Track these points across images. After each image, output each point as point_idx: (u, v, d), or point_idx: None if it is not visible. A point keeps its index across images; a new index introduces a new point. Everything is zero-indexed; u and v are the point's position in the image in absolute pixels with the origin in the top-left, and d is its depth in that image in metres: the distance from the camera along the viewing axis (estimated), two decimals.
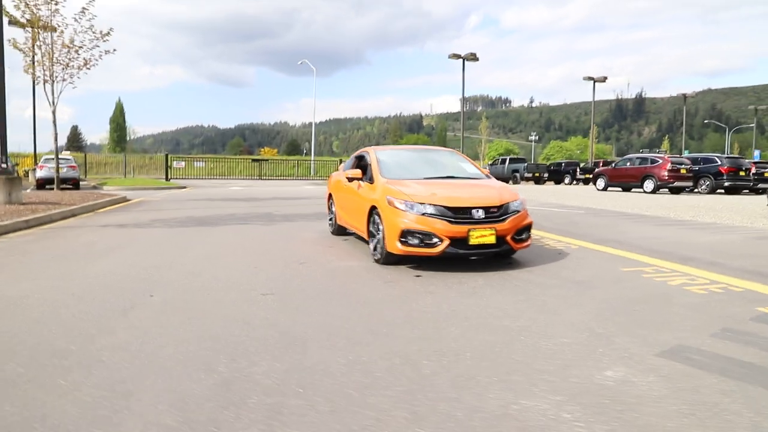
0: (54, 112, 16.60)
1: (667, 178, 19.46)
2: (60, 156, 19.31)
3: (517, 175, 35.59)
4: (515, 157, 41.51)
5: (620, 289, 4.89)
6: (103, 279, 5.12)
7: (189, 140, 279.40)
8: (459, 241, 5.44)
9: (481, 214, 5.55)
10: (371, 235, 6.17)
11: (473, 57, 31.92)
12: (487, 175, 6.84)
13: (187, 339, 3.41)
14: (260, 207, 13.55)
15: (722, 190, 21.10)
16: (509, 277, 5.35)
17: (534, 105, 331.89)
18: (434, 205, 5.52)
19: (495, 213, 5.62)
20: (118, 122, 76.88)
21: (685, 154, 30.50)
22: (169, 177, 27.09)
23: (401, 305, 4.30)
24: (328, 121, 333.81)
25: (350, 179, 6.77)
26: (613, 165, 23.66)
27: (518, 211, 5.82)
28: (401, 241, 5.50)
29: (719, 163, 20.77)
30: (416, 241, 5.46)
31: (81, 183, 22.91)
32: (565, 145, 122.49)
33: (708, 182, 20.52)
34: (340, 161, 28.29)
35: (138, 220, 10.29)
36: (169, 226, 9.38)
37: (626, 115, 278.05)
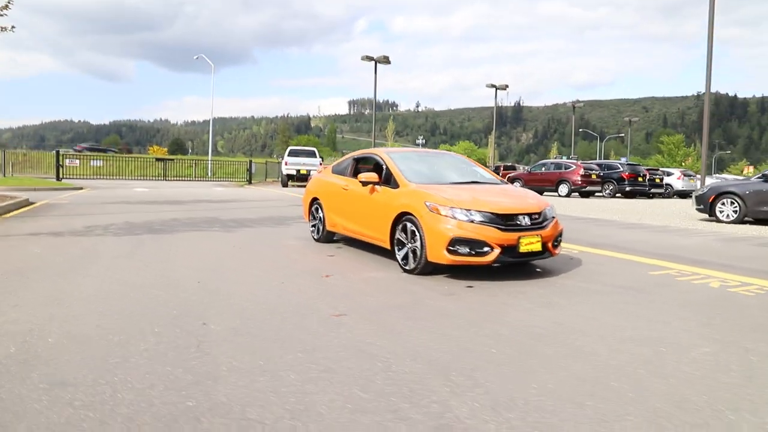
0: None
1: (580, 182, 20.84)
2: None
3: None
4: None
5: (677, 293, 4.93)
6: (113, 304, 4.17)
7: (56, 136, 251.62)
8: (509, 249, 5.20)
9: (527, 220, 5.36)
10: (398, 243, 5.71)
11: (385, 60, 32.01)
12: (502, 180, 6.67)
13: (327, 384, 2.78)
14: (195, 211, 12.33)
15: (620, 194, 23.04)
16: (555, 284, 5.20)
17: (420, 109, 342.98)
18: (481, 211, 5.22)
19: (538, 219, 5.46)
20: None
21: (623, 159, 32.79)
22: (60, 176, 23.92)
23: (494, 320, 3.93)
24: (213, 120, 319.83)
25: (364, 183, 6.24)
26: (529, 170, 24.90)
27: (554, 217, 5.72)
28: (449, 250, 5.13)
29: (621, 169, 22.70)
30: (466, 250, 5.12)
31: None
32: (452, 149, 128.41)
33: (612, 187, 22.30)
34: (321, 163, 26.92)
35: (70, 227, 8.82)
36: (115, 234, 8.12)
37: (506, 122, 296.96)
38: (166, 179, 30.99)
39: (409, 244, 5.53)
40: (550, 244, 5.50)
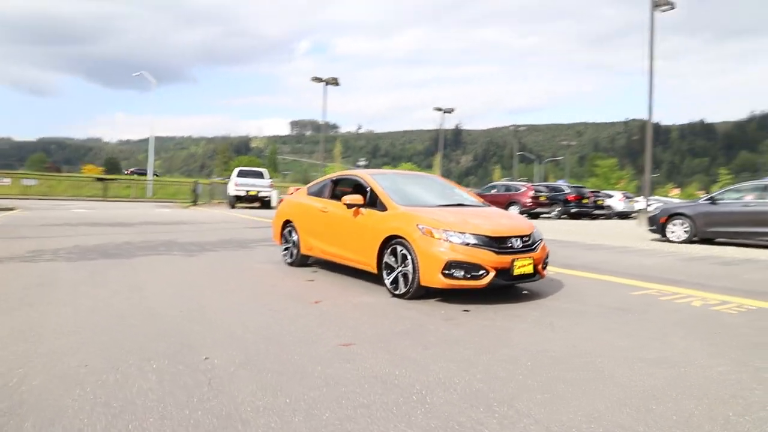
0: None
1: (530, 204, 21.41)
2: None
3: None
4: None
5: (665, 313, 5.04)
6: (94, 337, 3.78)
7: None
8: (503, 272, 5.17)
9: (519, 243, 5.37)
10: (386, 267, 5.56)
11: (334, 81, 32.07)
12: (484, 202, 6.68)
13: (368, 422, 2.59)
14: (147, 234, 11.68)
15: (566, 215, 23.87)
16: (547, 306, 5.21)
17: (361, 131, 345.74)
18: (476, 234, 5.17)
19: (528, 242, 5.48)
20: None
21: (561, 181, 33.81)
22: None
23: (506, 345, 3.85)
24: (149, 139, 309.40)
25: (349, 206, 6.06)
26: (479, 192, 25.38)
27: (542, 239, 5.75)
28: (445, 274, 5.03)
29: (567, 191, 23.55)
30: (461, 273, 5.04)
31: None
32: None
33: (559, 208, 23.04)
34: (271, 184, 26.02)
35: (12, 251, 8.09)
36: (67, 259, 7.51)
37: (446, 145, 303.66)
38: (106, 200, 29.40)
39: (399, 268, 5.40)
40: (540, 267, 5.52)
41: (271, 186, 25.62)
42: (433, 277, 5.08)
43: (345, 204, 6.09)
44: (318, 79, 31.44)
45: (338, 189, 6.99)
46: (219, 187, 30.88)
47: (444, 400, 2.79)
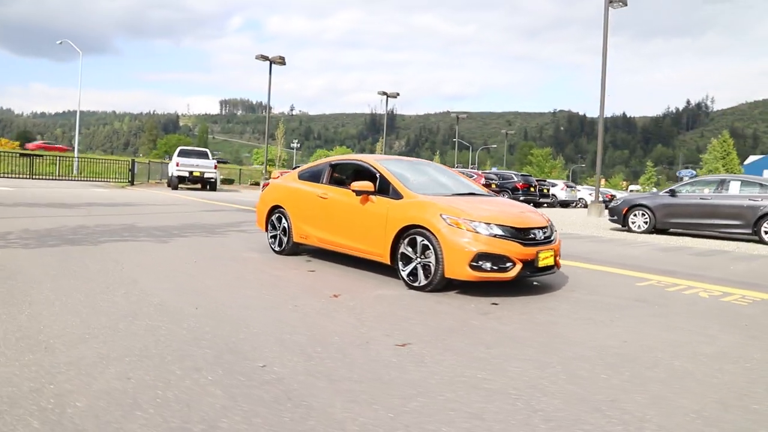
0: None
1: None
2: None
3: None
4: None
5: (684, 304, 5.12)
6: (119, 343, 3.29)
7: None
8: (528, 264, 5.05)
9: (541, 235, 5.26)
10: (402, 258, 5.30)
11: (281, 60, 30.97)
12: (489, 192, 6.53)
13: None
14: (97, 216, 10.71)
15: None
16: (570, 298, 5.16)
17: (294, 113, 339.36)
18: (502, 225, 5.01)
19: (548, 233, 5.39)
20: None
21: (494, 169, 34.35)
22: None
23: (565, 342, 3.72)
24: (67, 113, 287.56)
25: (358, 192, 5.72)
26: None
27: (556, 231, 5.69)
28: (472, 266, 4.84)
29: (515, 179, 24.09)
30: (488, 266, 4.87)
31: None
32: (331, 154, 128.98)
33: (507, 196, 23.54)
34: (216, 166, 24.51)
35: None
36: (23, 246, 6.69)
37: (379, 129, 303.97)
38: (32, 177, 26.94)
39: (418, 259, 5.15)
40: (557, 258, 5.45)
41: (216, 167, 24.48)
42: (460, 269, 4.87)
43: (353, 190, 5.74)
44: (264, 57, 30.24)
45: (336, 174, 6.61)
46: (156, 167, 29.18)
47: (552, 407, 2.60)
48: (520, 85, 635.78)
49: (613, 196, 25.69)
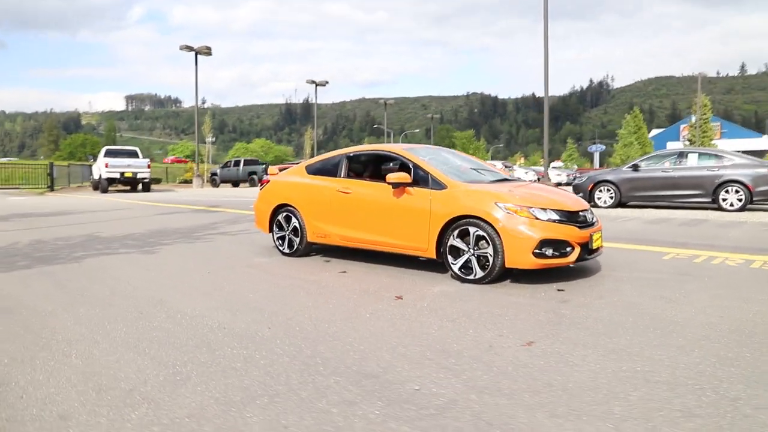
0: None
1: None
2: None
3: (255, 177, 34.19)
4: (251, 158, 38.79)
5: (724, 275, 5.22)
6: (208, 381, 2.79)
7: None
8: (583, 247, 4.94)
9: (590, 216, 5.18)
10: (452, 251, 5.03)
11: (207, 51, 29.36)
12: (514, 176, 6.40)
13: None
14: (44, 228, 9.52)
15: None
16: (620, 278, 5.13)
17: (206, 106, 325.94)
18: (557, 210, 4.87)
19: (592, 215, 5.32)
20: None
21: None
22: None
23: (671, 323, 3.61)
24: None
25: (395, 185, 5.36)
26: None
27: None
28: (536, 254, 4.65)
29: None
30: (550, 252, 4.71)
31: None
32: (250, 147, 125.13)
33: None
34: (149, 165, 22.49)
35: None
36: None
37: (296, 119, 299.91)
38: None
39: (472, 251, 4.90)
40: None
41: (149, 166, 22.85)
42: (523, 258, 4.68)
43: (390, 183, 5.37)
44: (188, 48, 28.52)
45: (356, 167, 6.20)
46: (77, 170, 26.85)
47: (746, 393, 2.45)
48: (433, 70, 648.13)
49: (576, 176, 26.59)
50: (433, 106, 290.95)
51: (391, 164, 5.78)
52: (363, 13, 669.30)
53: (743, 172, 11.28)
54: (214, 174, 35.12)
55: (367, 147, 6.36)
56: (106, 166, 21.33)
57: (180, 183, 36.51)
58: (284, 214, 6.54)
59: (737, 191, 11.27)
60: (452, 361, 2.98)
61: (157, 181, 34.35)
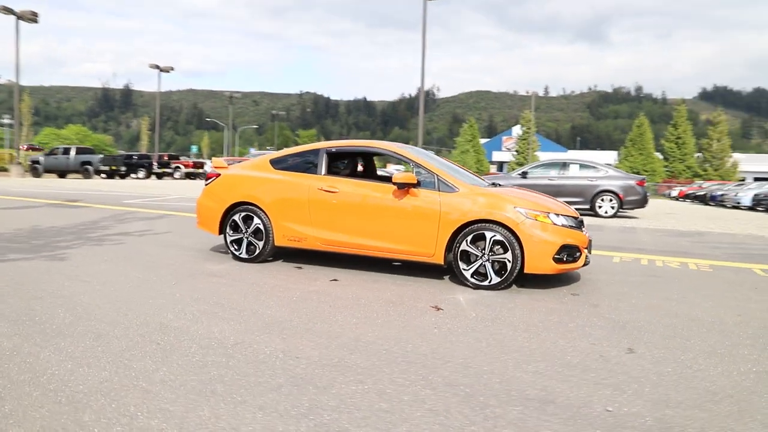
0: None
1: None
2: None
3: (90, 168, 29.88)
4: (83, 147, 33.26)
5: (701, 278, 5.85)
6: (296, 395, 2.30)
7: None
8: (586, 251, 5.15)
9: (581, 222, 5.41)
10: (463, 257, 4.87)
11: (33, 17, 24.92)
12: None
13: None
14: None
15: None
16: (610, 282, 5.47)
17: (2, 82, 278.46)
18: (568, 216, 5.02)
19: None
20: None
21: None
22: None
23: (699, 325, 3.92)
24: None
25: (401, 186, 5.01)
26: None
27: None
28: (555, 259, 4.72)
29: None
30: (566, 256, 4.82)
31: None
32: (62, 133, 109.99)
33: None
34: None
35: None
36: None
37: (114, 106, 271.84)
38: None
39: (487, 256, 4.80)
40: None
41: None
42: (544, 263, 4.71)
43: (395, 183, 5.01)
44: (7, 10, 23.95)
45: (339, 164, 5.69)
46: None
47: None
48: (265, 64, 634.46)
49: None
50: (265, 102, 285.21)
51: (391, 164, 5.42)
52: None
53: (616, 183, 12.96)
54: (35, 162, 30.04)
55: (351, 142, 5.86)
56: None
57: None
58: (242, 213, 5.76)
59: (611, 200, 12.91)
60: (593, 375, 2.84)
61: None
